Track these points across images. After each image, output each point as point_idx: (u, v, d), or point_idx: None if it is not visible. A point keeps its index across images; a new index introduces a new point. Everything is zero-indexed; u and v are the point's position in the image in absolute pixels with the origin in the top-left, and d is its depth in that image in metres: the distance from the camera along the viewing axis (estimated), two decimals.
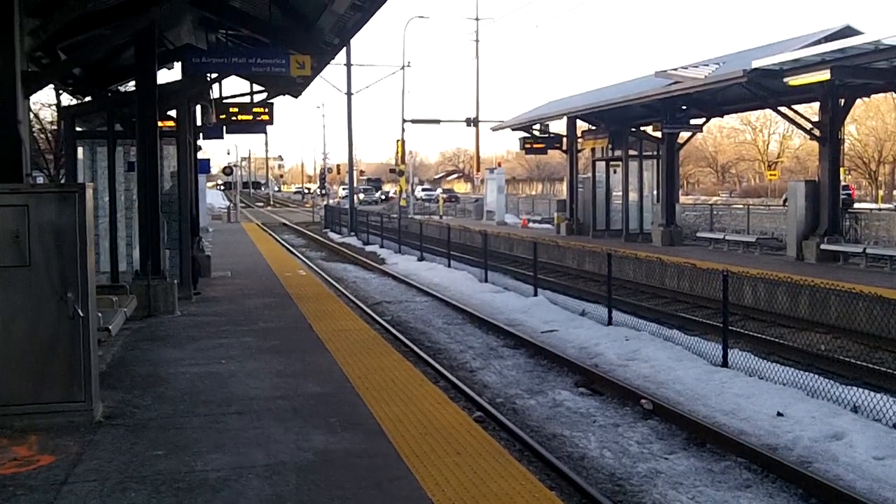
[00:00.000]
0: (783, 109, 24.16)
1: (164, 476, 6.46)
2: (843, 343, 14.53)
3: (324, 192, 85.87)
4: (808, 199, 22.28)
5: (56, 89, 22.84)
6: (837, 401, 10.10)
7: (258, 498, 6.03)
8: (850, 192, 46.30)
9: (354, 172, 52.24)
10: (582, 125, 33.95)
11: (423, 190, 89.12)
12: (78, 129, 16.26)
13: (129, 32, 13.76)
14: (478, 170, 77.10)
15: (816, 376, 11.01)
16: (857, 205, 39.77)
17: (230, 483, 6.31)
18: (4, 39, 9.23)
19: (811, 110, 27.44)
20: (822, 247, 21.49)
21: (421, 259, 28.70)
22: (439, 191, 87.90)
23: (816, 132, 22.52)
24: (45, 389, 7.72)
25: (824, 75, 18.80)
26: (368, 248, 35.19)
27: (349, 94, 45.29)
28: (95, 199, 8.51)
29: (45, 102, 32.89)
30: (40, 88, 12.44)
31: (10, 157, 9.24)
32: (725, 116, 36.31)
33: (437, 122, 54.85)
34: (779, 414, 9.76)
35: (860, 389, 10.26)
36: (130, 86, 19.87)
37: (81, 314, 7.68)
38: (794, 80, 19.82)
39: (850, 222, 22.75)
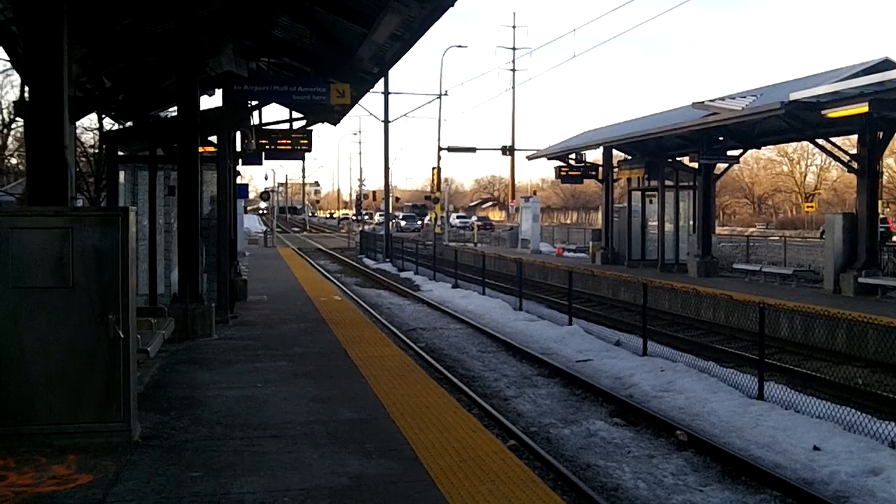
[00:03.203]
0: (820, 141, 24.00)
1: (200, 497, 6.52)
2: (882, 377, 14.35)
3: (359, 217, 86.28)
4: (846, 232, 22.06)
5: (98, 114, 23.24)
6: (875, 436, 9.99)
7: None
8: (889, 225, 45.82)
9: (390, 199, 52.47)
10: (618, 155, 33.91)
11: (458, 217, 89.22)
12: (119, 153, 16.50)
13: (173, 60, 14.00)
14: (512, 198, 77.35)
15: (854, 410, 10.89)
16: (895, 238, 39.33)
17: None
18: (53, 66, 9.43)
19: (849, 142, 27.27)
20: (860, 280, 21.25)
21: (455, 286, 28.75)
22: (474, 218, 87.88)
23: (854, 165, 22.35)
24: (83, 409, 7.81)
25: (863, 108, 18.70)
26: (403, 275, 35.30)
27: (386, 121, 45.60)
28: (136, 223, 8.65)
29: (86, 126, 33.36)
30: (86, 114, 12.72)
31: (55, 181, 9.42)
32: (762, 148, 36.13)
33: (473, 150, 55.02)
34: (815, 448, 9.67)
35: None
36: (172, 111, 20.19)
37: (122, 336, 7.78)
38: (833, 113, 19.72)
39: (889, 255, 22.50)
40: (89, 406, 7.81)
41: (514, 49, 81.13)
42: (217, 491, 6.67)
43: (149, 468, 7.21)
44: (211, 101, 20.95)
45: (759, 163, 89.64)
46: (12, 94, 38.83)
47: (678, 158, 30.18)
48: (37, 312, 7.68)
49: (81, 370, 7.77)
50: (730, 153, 27.78)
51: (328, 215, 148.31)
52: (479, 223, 72.40)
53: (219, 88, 18.54)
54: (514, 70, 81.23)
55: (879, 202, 23.12)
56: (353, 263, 42.40)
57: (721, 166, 28.98)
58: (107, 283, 7.79)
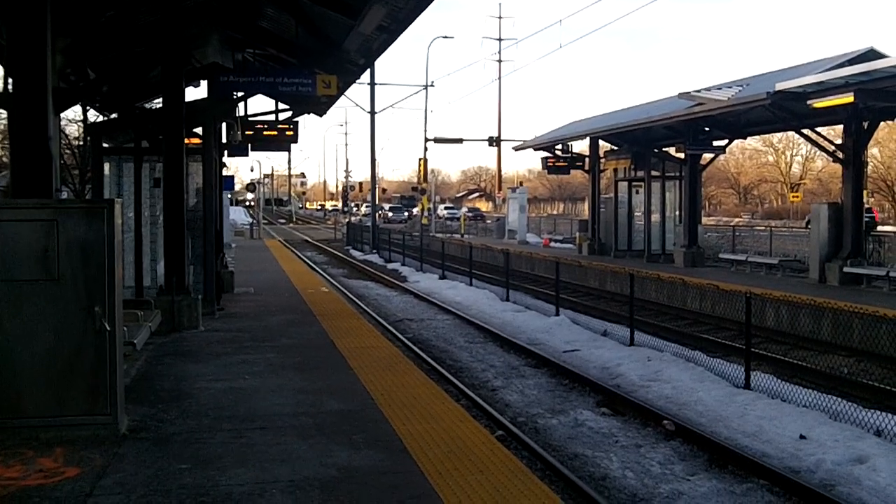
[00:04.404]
0: (806, 132, 24.10)
1: (188, 490, 6.51)
2: (867, 366, 14.44)
3: (346, 209, 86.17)
4: (831, 222, 22.16)
5: (83, 105, 23.10)
6: (861, 424, 10.06)
7: None
8: (874, 214, 46.01)
9: (377, 190, 52.41)
10: (604, 145, 33.96)
11: (447, 208, 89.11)
12: (104, 145, 16.42)
13: (158, 51, 13.91)
14: (499, 189, 77.31)
15: (839, 399, 10.96)
16: (880, 227, 39.51)
17: (254, 498, 6.35)
18: (36, 57, 9.36)
19: (834, 133, 27.36)
20: (845, 269, 21.35)
21: (442, 277, 28.75)
22: (465, 209, 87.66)
23: (839, 155, 22.44)
24: (70, 402, 7.77)
25: (848, 98, 18.74)
26: (390, 266, 35.28)
27: (373, 112, 45.52)
28: (122, 215, 8.58)
29: (70, 118, 33.15)
30: (71, 106, 12.62)
31: (40, 173, 9.35)
32: (748, 138, 36.24)
33: (460, 141, 55.00)
34: (801, 437, 9.73)
35: (884, 413, 10.22)
36: (157, 103, 20.07)
37: (108, 328, 7.75)
38: (818, 103, 19.77)
39: (874, 245, 22.59)
40: (76, 399, 7.78)
41: (500, 40, 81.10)
42: (205, 483, 6.66)
43: (136, 461, 7.19)
44: (196, 93, 20.82)
45: (744, 153, 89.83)
46: None
47: (665, 149, 30.24)
48: (22, 305, 7.64)
49: (68, 363, 7.73)
50: (716, 143, 27.86)
51: (318, 207, 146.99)
52: (470, 214, 72.14)
53: (204, 80, 18.43)
54: (500, 61, 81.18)
55: (864, 192, 23.20)
56: (340, 255, 42.36)
57: (707, 156, 29.06)
58: (93, 276, 7.75)
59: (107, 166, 16.23)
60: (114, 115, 18.20)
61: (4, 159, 36.63)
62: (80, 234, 7.73)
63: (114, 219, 7.82)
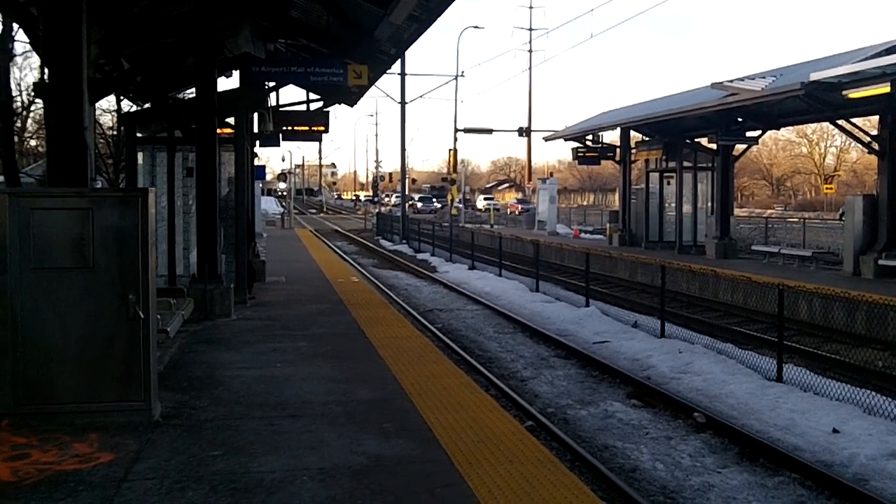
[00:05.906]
0: (841, 122, 23.81)
1: (220, 476, 6.57)
2: None
3: (375, 199, 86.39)
4: (866, 214, 21.90)
5: (117, 95, 23.30)
6: (895, 418, 9.95)
7: (313, 500, 6.09)
8: None
9: (406, 180, 52.46)
10: (636, 136, 33.75)
11: (486, 199, 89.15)
12: (138, 134, 16.55)
13: (191, 41, 13.99)
14: (529, 179, 77.04)
15: (873, 393, 10.85)
16: None
17: (285, 485, 6.39)
18: (72, 48, 9.44)
19: (870, 123, 27.03)
20: (880, 262, 21.10)
21: (472, 268, 28.76)
22: (513, 200, 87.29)
23: (875, 146, 22.16)
24: (104, 389, 7.86)
25: (884, 88, 18.51)
26: (420, 256, 35.33)
27: (403, 103, 45.52)
28: (155, 204, 8.66)
29: (105, 108, 33.48)
30: (105, 96, 12.73)
31: (75, 162, 9.44)
32: (781, 129, 35.88)
33: (490, 131, 55.05)
34: (834, 430, 9.65)
35: None
36: (190, 93, 20.20)
37: (142, 316, 7.81)
38: (853, 94, 19.55)
39: None
40: (110, 385, 7.86)
41: (530, 30, 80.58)
42: (237, 470, 6.71)
43: (169, 447, 7.26)
44: (228, 83, 21.01)
45: (777, 144, 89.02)
46: (32, 76, 38.97)
47: (696, 139, 30.00)
48: (58, 292, 7.72)
49: (102, 350, 7.81)
50: (749, 134, 27.61)
51: (354, 197, 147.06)
52: (521, 205, 71.43)
53: (236, 70, 18.56)
54: (530, 51, 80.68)
55: None
56: (370, 245, 42.47)
57: (740, 147, 28.80)
58: (127, 264, 7.82)
59: (140, 156, 16.38)
60: (147, 105, 18.35)
61: (40, 149, 37.05)
62: (115, 223, 7.79)
63: (147, 208, 7.88)
